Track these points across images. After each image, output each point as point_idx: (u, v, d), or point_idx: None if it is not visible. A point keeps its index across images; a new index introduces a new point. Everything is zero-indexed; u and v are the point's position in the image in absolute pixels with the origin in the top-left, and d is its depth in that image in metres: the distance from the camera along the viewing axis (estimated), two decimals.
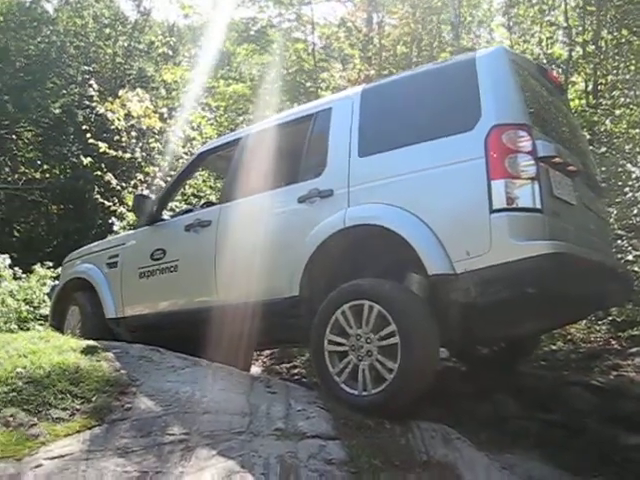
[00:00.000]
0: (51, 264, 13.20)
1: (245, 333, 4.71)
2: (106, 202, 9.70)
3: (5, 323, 12.00)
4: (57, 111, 18.32)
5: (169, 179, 9.31)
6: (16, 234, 19.04)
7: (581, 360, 5.44)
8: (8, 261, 12.50)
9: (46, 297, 12.83)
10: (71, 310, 6.01)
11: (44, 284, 12.81)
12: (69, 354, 3.73)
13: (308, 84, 10.17)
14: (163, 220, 5.46)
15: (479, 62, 3.88)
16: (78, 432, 2.97)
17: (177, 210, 6.23)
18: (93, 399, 3.25)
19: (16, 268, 13.26)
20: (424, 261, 3.65)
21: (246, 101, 10.60)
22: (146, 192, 9.51)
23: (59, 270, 13.59)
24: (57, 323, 6.27)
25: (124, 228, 10.17)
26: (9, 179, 17.23)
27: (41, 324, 12.24)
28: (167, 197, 5.71)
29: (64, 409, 3.13)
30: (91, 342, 4.23)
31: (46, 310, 12.81)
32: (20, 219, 18.79)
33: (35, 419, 3.01)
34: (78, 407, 3.16)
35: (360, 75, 9.60)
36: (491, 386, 4.46)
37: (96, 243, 6.25)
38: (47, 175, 18.07)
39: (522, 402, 4.23)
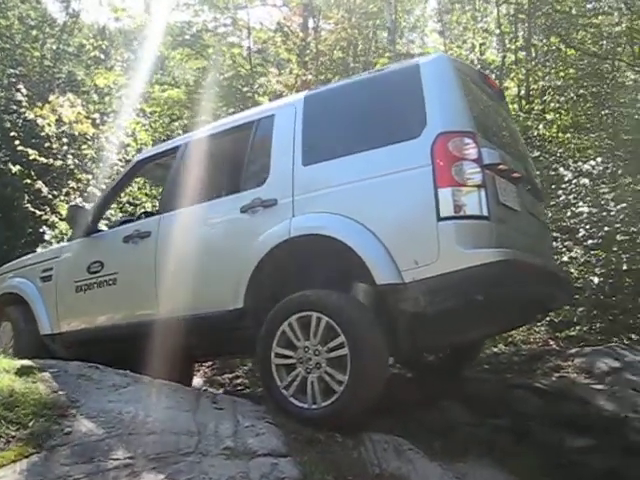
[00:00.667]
0: None
1: (188, 346, 4.59)
2: (37, 211, 9.34)
3: None
4: None
5: (104, 187, 9.05)
6: None
7: (523, 362, 5.52)
8: None
9: None
10: (2, 326, 5.73)
11: None
12: (1, 376, 3.51)
13: (245, 89, 10.02)
14: (100, 231, 5.26)
15: (423, 69, 3.86)
16: (14, 462, 2.78)
17: (114, 220, 6.01)
18: (30, 424, 3.05)
19: None
20: (372, 271, 3.60)
21: (181, 107, 10.38)
22: (79, 201, 9.23)
23: None
24: None
25: (56, 237, 9.84)
26: None
27: None
28: (103, 207, 5.50)
29: None
30: (25, 362, 4.01)
31: None
32: None
33: None
34: (13, 434, 2.97)
35: (297, 80, 9.54)
36: (437, 392, 4.45)
37: (29, 256, 5.98)
38: None
39: (469, 408, 4.23)
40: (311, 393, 3.62)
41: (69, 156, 9.58)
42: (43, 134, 9.56)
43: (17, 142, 9.42)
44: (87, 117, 9.41)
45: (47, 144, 9.63)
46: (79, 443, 2.96)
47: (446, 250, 3.45)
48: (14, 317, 5.60)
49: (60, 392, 3.47)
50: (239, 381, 6.60)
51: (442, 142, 3.58)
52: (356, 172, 3.82)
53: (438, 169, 3.54)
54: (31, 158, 9.33)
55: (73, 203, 5.27)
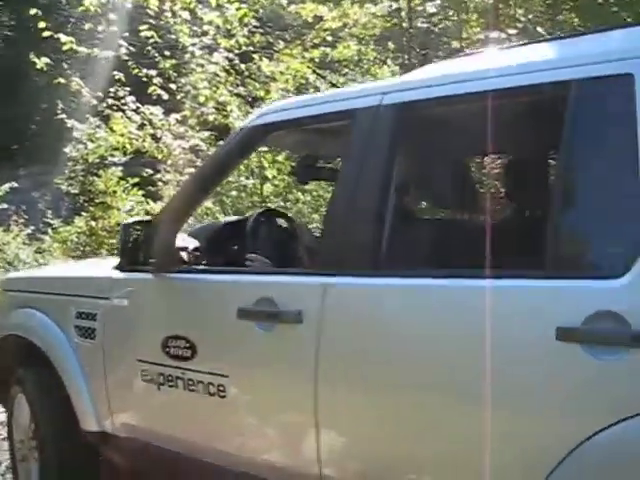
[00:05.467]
0: None
1: None
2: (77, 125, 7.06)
3: None
4: None
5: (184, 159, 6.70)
6: None
7: None
8: None
9: None
10: (17, 399, 3.57)
11: None
12: None
13: None
14: (184, 269, 2.87)
15: None
16: None
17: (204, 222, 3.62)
18: None
19: None
20: None
21: None
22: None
23: (6, 186, 11.02)
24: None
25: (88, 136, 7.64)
26: None
27: None
28: (187, 210, 3.07)
29: None
30: None
31: None
32: None
33: None
34: None
35: None
36: None
37: (53, 270, 3.70)
38: None
39: None
40: None
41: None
42: None
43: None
44: None
45: None
46: None
47: None
48: (31, 390, 3.44)
49: None
50: None
51: None
52: None
53: None
54: (65, 48, 6.81)
55: (128, 220, 2.85)
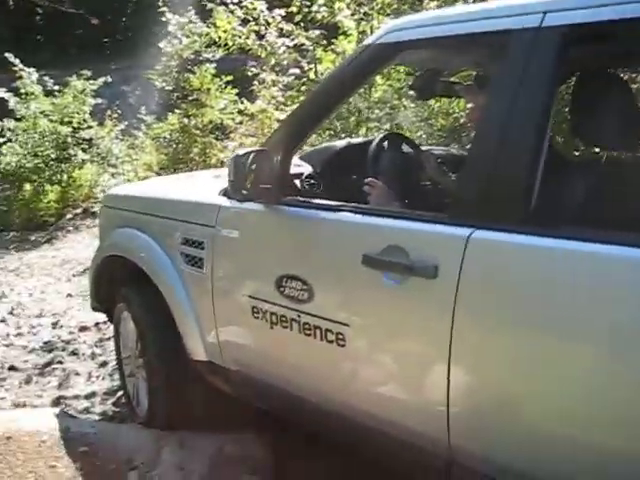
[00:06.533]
0: (89, 73, 10.86)
1: None
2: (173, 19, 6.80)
3: (43, 151, 10.08)
4: None
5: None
6: (39, 11, 16.07)
7: None
8: (35, 75, 10.32)
9: (87, 117, 10.80)
10: (122, 316, 3.55)
11: (83, 102, 10.61)
12: None
13: None
14: (301, 201, 2.64)
15: None
16: None
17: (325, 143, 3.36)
18: None
19: (45, 78, 11.04)
20: None
21: None
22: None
23: (100, 80, 10.99)
24: (104, 310, 3.93)
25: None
26: None
27: (83, 149, 10.61)
28: (303, 135, 2.80)
29: None
30: None
31: (89, 133, 10.81)
32: None
33: None
34: None
35: None
36: None
37: (154, 187, 3.58)
38: None
39: None
40: None
41: None
42: None
43: None
44: None
45: None
46: None
47: None
48: (136, 307, 3.37)
49: None
50: None
51: None
52: None
53: None
54: None
55: (240, 152, 2.60)
